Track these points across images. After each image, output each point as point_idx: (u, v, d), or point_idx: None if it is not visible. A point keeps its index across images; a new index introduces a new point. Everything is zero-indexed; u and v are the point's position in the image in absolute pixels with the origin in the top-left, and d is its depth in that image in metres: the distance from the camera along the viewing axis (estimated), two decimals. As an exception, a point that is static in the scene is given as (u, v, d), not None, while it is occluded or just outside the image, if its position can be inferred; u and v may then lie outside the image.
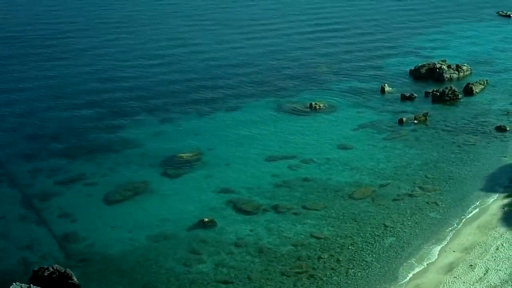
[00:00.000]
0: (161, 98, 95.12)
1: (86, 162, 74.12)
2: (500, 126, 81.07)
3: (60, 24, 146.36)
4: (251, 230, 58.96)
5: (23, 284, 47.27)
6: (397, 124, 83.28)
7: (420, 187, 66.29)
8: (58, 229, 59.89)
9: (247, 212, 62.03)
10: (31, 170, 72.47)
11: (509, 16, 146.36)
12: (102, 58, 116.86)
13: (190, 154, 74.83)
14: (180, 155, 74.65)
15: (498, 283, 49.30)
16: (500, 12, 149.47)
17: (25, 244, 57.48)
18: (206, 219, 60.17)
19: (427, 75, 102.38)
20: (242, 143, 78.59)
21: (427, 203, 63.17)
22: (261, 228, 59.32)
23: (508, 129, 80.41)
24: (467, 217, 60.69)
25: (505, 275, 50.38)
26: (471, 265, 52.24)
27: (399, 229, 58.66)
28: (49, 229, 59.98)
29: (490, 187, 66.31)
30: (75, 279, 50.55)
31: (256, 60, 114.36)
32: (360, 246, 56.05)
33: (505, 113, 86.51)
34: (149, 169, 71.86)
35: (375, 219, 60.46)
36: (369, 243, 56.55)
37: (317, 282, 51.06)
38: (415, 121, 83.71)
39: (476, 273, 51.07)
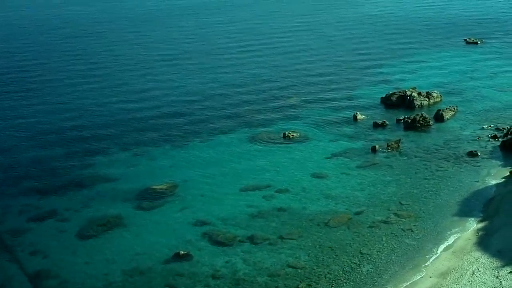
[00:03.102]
0: (134, 131, 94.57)
1: (58, 198, 73.27)
2: (471, 151, 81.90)
3: (30, 61, 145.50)
4: (227, 262, 58.52)
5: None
6: (370, 152, 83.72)
7: (395, 214, 66.48)
8: (31, 266, 58.92)
9: (223, 244, 61.61)
10: (2, 206, 71.41)
11: (476, 43, 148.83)
12: (72, 94, 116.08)
13: (164, 186, 74.35)
14: (154, 187, 74.16)
15: (475, 308, 49.44)
16: (468, 40, 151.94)
17: (-4, 283, 56.44)
18: (182, 252, 59.62)
19: (398, 102, 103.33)
20: (216, 174, 78.30)
21: (402, 229, 63.33)
22: (238, 259, 58.91)
23: (479, 154, 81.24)
24: (442, 242, 60.91)
25: (482, 299, 50.58)
26: (448, 291, 52.34)
27: (376, 256, 58.65)
28: (21, 266, 58.92)
29: (464, 212, 66.72)
30: (49, 317, 49.59)
31: (227, 91, 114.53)
32: (337, 274, 55.89)
33: (476, 138, 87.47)
34: (122, 203, 71.19)
35: (351, 246, 60.42)
36: (346, 271, 56.41)
37: (295, 313, 50.73)
38: (388, 149, 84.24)
39: (454, 298, 51.15)
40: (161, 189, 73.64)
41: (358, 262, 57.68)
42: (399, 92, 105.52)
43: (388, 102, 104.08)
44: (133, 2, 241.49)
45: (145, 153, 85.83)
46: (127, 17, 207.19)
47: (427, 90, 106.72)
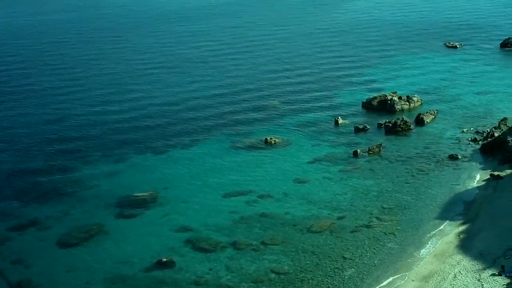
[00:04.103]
0: (115, 139, 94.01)
1: (39, 206, 72.67)
2: (452, 155, 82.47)
3: (12, 70, 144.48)
4: (210, 269, 58.36)
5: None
6: (352, 156, 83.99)
7: (377, 218, 66.71)
8: (12, 275, 58.36)
9: (206, 250, 61.44)
10: (-18, 216, 70.81)
11: (455, 47, 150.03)
12: (53, 101, 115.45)
13: (146, 194, 74.01)
14: (136, 194, 73.80)
15: (457, 311, 49.68)
16: (447, 43, 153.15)
17: (-23, 293, 55.88)
18: (164, 259, 59.37)
19: (379, 106, 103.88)
20: (198, 180, 78.12)
21: (385, 233, 63.56)
22: (221, 265, 58.79)
23: (460, 157, 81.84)
24: (424, 245, 61.21)
25: (464, 302, 50.86)
26: (431, 294, 52.57)
27: (358, 261, 58.80)
28: (2, 275, 58.37)
29: (445, 215, 67.11)
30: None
31: (209, 99, 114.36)
32: (320, 279, 55.95)
33: (456, 141, 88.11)
34: (104, 211, 70.77)
35: (334, 251, 60.52)
36: (329, 275, 56.49)
37: (279, 318, 50.68)
38: (370, 153, 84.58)
39: (436, 302, 51.37)
40: (143, 196, 73.31)
41: (341, 267, 57.79)
42: (380, 96, 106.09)
43: (369, 107, 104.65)
44: (116, 10, 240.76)
45: (126, 160, 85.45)
46: (110, 26, 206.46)
47: (407, 95, 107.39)
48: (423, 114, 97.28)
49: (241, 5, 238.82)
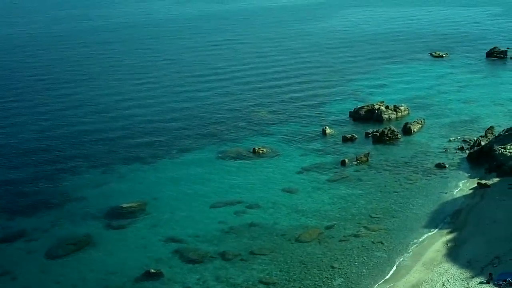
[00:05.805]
0: (103, 149, 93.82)
1: (26, 217, 72.23)
2: (439, 164, 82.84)
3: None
4: (198, 279, 58.21)
5: None
6: (340, 166, 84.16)
7: (365, 227, 66.81)
8: (-1, 288, 58.11)
9: (194, 261, 61.28)
10: (-31, 228, 70.32)
11: (441, 56, 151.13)
12: (41, 113, 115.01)
13: (134, 204, 73.77)
14: (124, 205, 73.51)
15: (446, 319, 49.74)
16: (433, 53, 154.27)
17: (-37, 306, 55.43)
18: (153, 270, 59.15)
19: (367, 116, 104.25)
20: (186, 191, 77.99)
21: (373, 242, 63.65)
22: (209, 276, 58.63)
23: (447, 166, 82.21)
24: (412, 254, 61.35)
25: (452, 310, 50.95)
26: (419, 302, 52.62)
27: (347, 270, 58.83)
28: (-11, 289, 58.02)
29: (433, 223, 67.33)
30: None
31: (197, 108, 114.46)
32: (309, 289, 56.01)
33: (444, 150, 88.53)
34: (92, 222, 70.45)
35: (322, 261, 60.53)
36: (318, 285, 56.48)
37: (268, 328, 50.59)
38: (357, 162, 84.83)
39: (424, 310, 51.42)
40: (131, 207, 73.06)
41: (330, 276, 57.78)
42: (367, 106, 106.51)
43: (357, 116, 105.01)
44: (104, 22, 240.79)
45: (114, 172, 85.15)
46: (100, 37, 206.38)
47: (394, 104, 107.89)
48: (410, 123, 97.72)
49: (231, 19, 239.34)
